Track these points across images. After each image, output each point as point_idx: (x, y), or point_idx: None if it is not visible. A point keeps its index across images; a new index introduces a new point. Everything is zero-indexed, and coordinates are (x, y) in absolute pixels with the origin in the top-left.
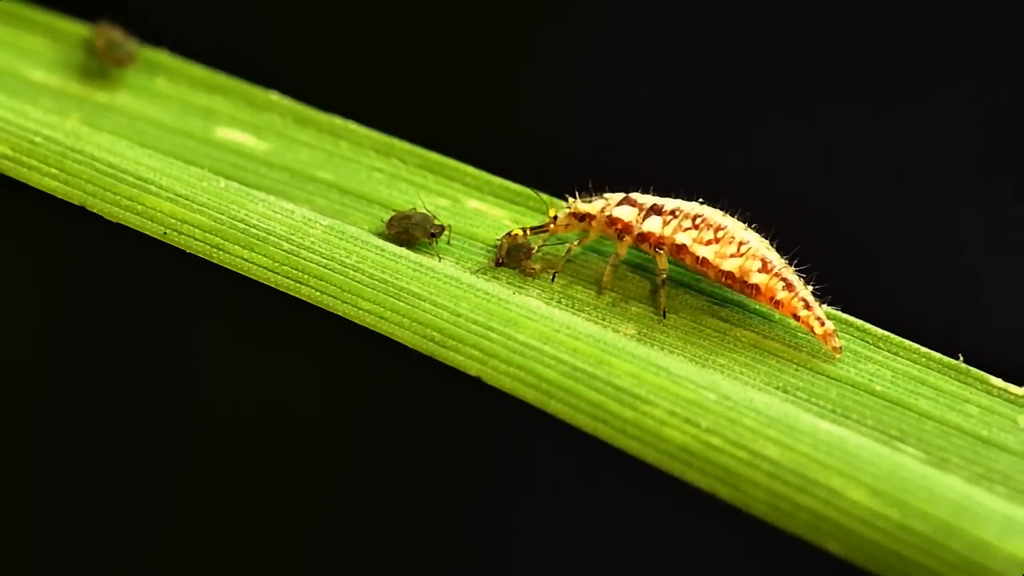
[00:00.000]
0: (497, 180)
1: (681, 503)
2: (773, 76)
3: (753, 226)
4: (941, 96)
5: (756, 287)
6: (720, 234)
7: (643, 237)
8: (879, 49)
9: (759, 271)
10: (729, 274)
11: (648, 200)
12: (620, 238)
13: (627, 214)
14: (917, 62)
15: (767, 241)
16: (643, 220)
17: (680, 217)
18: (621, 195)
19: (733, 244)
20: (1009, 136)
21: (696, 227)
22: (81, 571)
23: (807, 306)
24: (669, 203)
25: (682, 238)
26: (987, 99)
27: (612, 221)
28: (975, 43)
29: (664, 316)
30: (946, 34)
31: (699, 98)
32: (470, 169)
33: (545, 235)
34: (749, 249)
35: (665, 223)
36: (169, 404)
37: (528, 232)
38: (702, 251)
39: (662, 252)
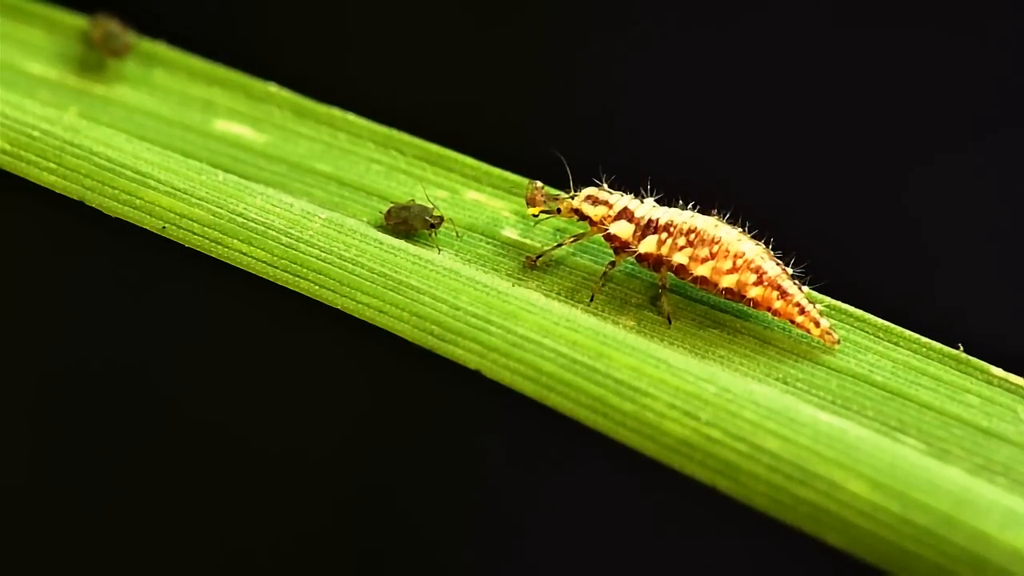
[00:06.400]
0: (496, 171)
1: (681, 496)
2: (775, 69)
3: (747, 225)
4: (940, 87)
5: (754, 300)
6: (715, 248)
7: (641, 258)
8: (878, 44)
9: (755, 284)
10: (728, 290)
11: (644, 212)
12: (617, 253)
13: (624, 231)
14: (914, 57)
15: (761, 244)
16: (639, 240)
17: (675, 234)
18: (625, 201)
19: (728, 258)
20: (1013, 126)
21: (691, 244)
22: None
23: (802, 311)
24: (663, 215)
25: (679, 258)
26: (984, 87)
27: (609, 238)
28: (968, 32)
29: (670, 323)
30: (938, 27)
31: (700, 90)
32: (469, 160)
33: (550, 215)
34: (744, 261)
35: (661, 242)
36: (168, 399)
37: (545, 194)
38: (700, 270)
39: (661, 271)
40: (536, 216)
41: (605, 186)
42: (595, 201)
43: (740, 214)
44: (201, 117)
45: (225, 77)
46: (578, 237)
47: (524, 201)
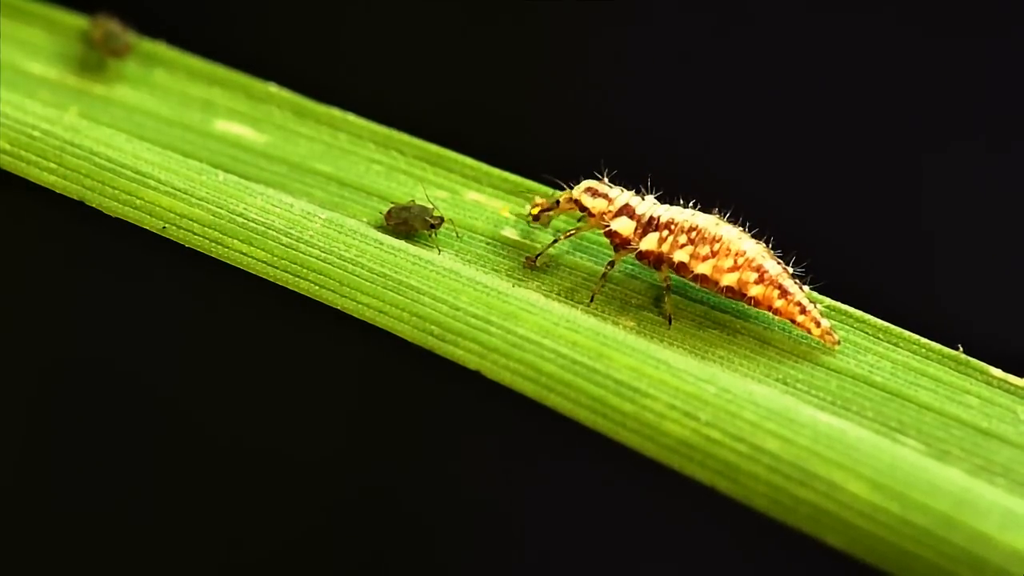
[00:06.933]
0: (496, 171)
1: (681, 497)
2: (776, 69)
3: (747, 224)
4: (942, 87)
5: (754, 299)
6: (716, 247)
7: (642, 255)
8: (878, 44)
9: (756, 282)
10: (729, 288)
11: (646, 209)
12: (617, 250)
13: (625, 228)
14: (916, 57)
15: (762, 244)
16: (640, 237)
17: (676, 232)
18: (626, 198)
19: (730, 257)
20: (1014, 126)
21: (692, 242)
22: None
23: (803, 310)
24: (664, 213)
25: (680, 256)
26: (986, 87)
27: (611, 235)
28: (970, 32)
29: (670, 323)
30: (942, 27)
31: (700, 90)
32: (469, 160)
33: (551, 216)
34: (745, 260)
35: (662, 240)
36: (167, 400)
37: (542, 207)
38: (701, 268)
39: (661, 269)
40: (536, 217)
41: (605, 180)
42: (594, 193)
43: (740, 213)
44: (201, 117)
45: (225, 77)
46: (575, 231)
47: (526, 205)
